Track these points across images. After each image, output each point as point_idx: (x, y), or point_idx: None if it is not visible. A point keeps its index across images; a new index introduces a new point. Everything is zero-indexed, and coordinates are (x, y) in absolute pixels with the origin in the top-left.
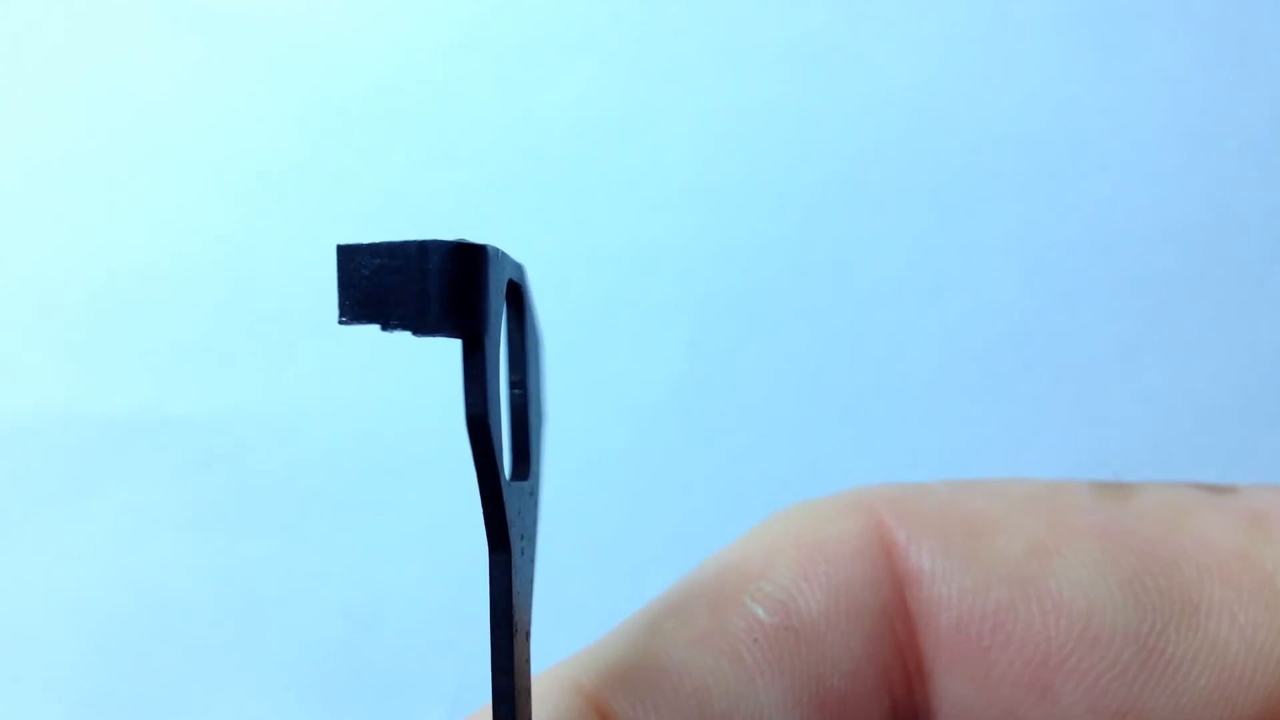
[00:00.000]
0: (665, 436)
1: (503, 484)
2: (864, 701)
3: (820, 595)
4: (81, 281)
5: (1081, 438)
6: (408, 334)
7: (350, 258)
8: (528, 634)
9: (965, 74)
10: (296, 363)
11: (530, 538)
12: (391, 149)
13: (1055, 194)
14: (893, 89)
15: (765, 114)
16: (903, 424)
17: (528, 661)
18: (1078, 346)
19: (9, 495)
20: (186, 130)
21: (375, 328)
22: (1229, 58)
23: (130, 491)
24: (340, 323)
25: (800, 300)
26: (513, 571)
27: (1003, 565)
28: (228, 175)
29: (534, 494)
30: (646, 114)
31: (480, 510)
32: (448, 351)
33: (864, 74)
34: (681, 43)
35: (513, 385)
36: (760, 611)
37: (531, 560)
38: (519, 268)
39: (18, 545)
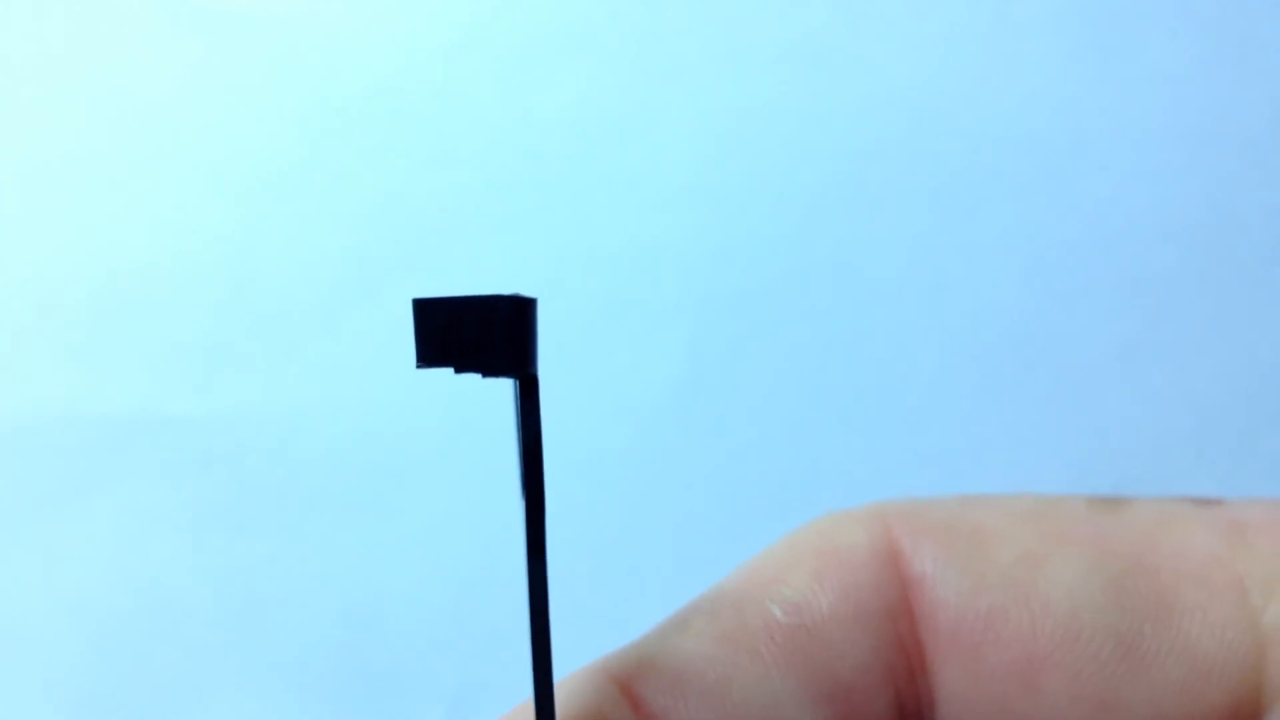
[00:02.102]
0: (665, 436)
1: (544, 502)
2: (870, 693)
3: (831, 597)
4: (81, 281)
5: (1081, 438)
6: (476, 376)
7: (426, 311)
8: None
9: (965, 74)
10: (296, 363)
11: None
12: (391, 149)
13: (1055, 194)
14: (893, 89)
15: (765, 114)
16: (902, 424)
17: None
18: (1078, 346)
19: (9, 495)
20: (186, 130)
21: (447, 371)
22: (1229, 58)
23: (130, 491)
24: (419, 368)
25: (800, 300)
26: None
27: (996, 571)
28: (228, 175)
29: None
30: (646, 114)
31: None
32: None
33: (864, 74)
34: (681, 43)
35: None
36: (777, 611)
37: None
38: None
39: (18, 545)
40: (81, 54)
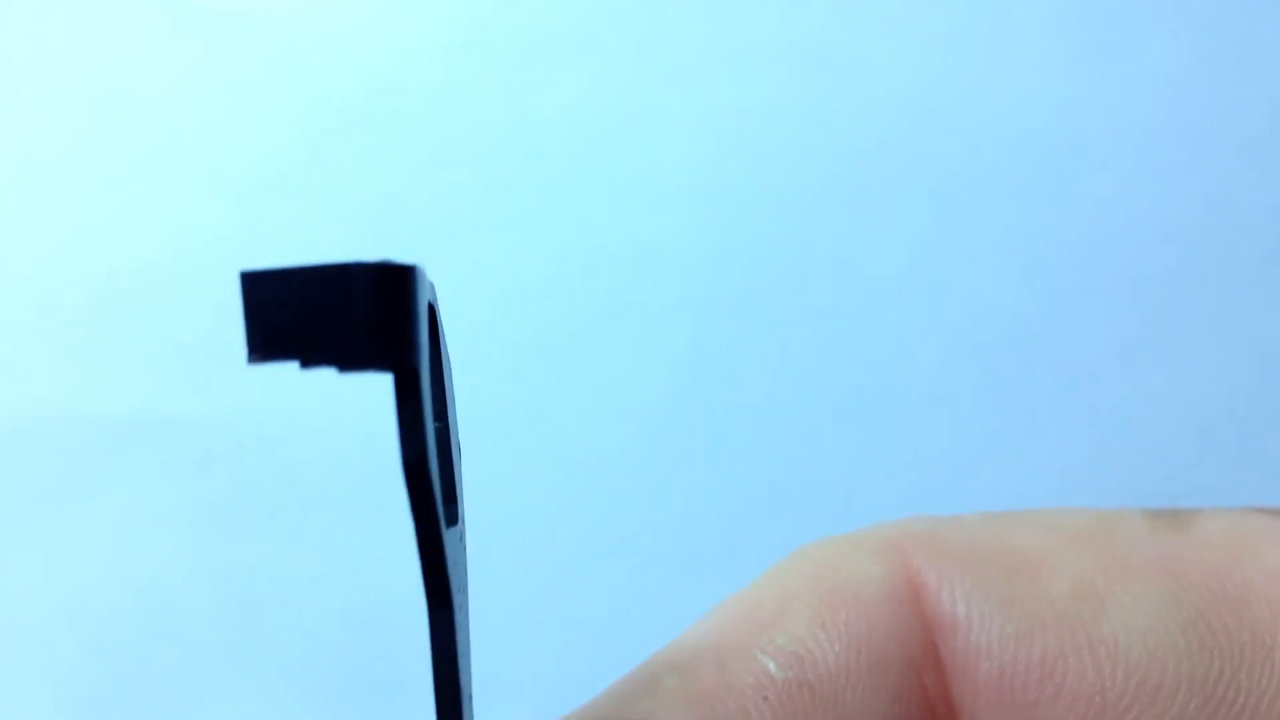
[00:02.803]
0: (665, 436)
1: (443, 533)
2: None
3: (839, 646)
4: (81, 281)
5: (1081, 438)
6: (331, 371)
7: (257, 286)
8: (470, 698)
9: (965, 74)
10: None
11: (464, 590)
12: (391, 149)
13: (1055, 194)
14: (893, 89)
15: (765, 114)
16: (902, 424)
17: None
18: (1078, 347)
19: (9, 495)
20: (186, 130)
21: (292, 365)
22: (1229, 58)
23: (130, 491)
24: (250, 361)
25: (800, 300)
26: (455, 630)
27: (1049, 608)
28: (228, 175)
29: (463, 540)
30: (646, 114)
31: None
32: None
33: (864, 74)
34: (681, 43)
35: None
36: (771, 665)
37: (467, 615)
38: (433, 287)
39: (18, 545)
40: (81, 54)
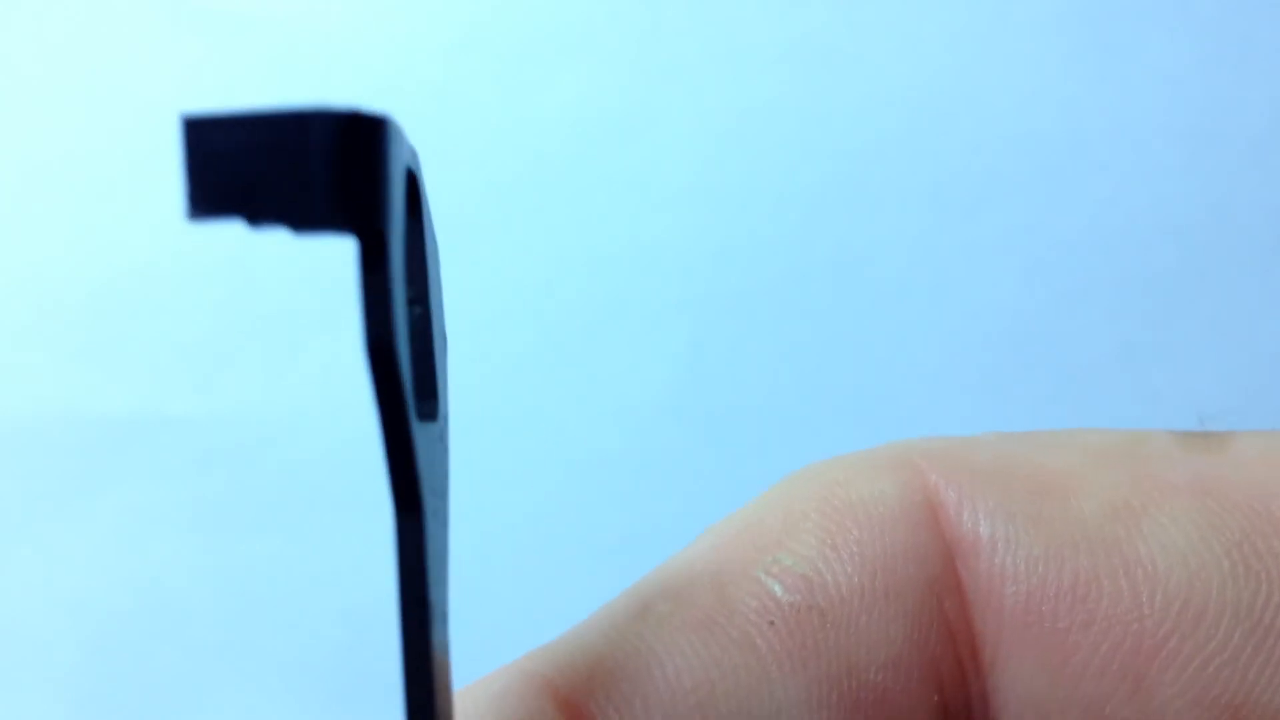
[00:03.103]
0: (665, 436)
1: (412, 426)
2: (906, 698)
3: (851, 568)
4: (81, 281)
5: None
6: (283, 232)
7: (202, 134)
8: (445, 617)
9: (965, 74)
10: (296, 363)
11: (443, 495)
12: None
13: (1055, 194)
14: (893, 89)
15: (765, 114)
16: (903, 424)
17: (446, 654)
18: (1078, 346)
19: (9, 495)
20: None
21: (236, 224)
22: (1229, 58)
23: (130, 491)
24: (190, 217)
25: (800, 300)
26: (425, 538)
27: (1080, 529)
28: None
29: (444, 439)
30: (646, 114)
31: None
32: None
33: (864, 74)
34: (681, 43)
35: (411, 302)
36: (777, 588)
37: (445, 524)
38: (414, 154)
39: (18, 545)
40: (81, 54)
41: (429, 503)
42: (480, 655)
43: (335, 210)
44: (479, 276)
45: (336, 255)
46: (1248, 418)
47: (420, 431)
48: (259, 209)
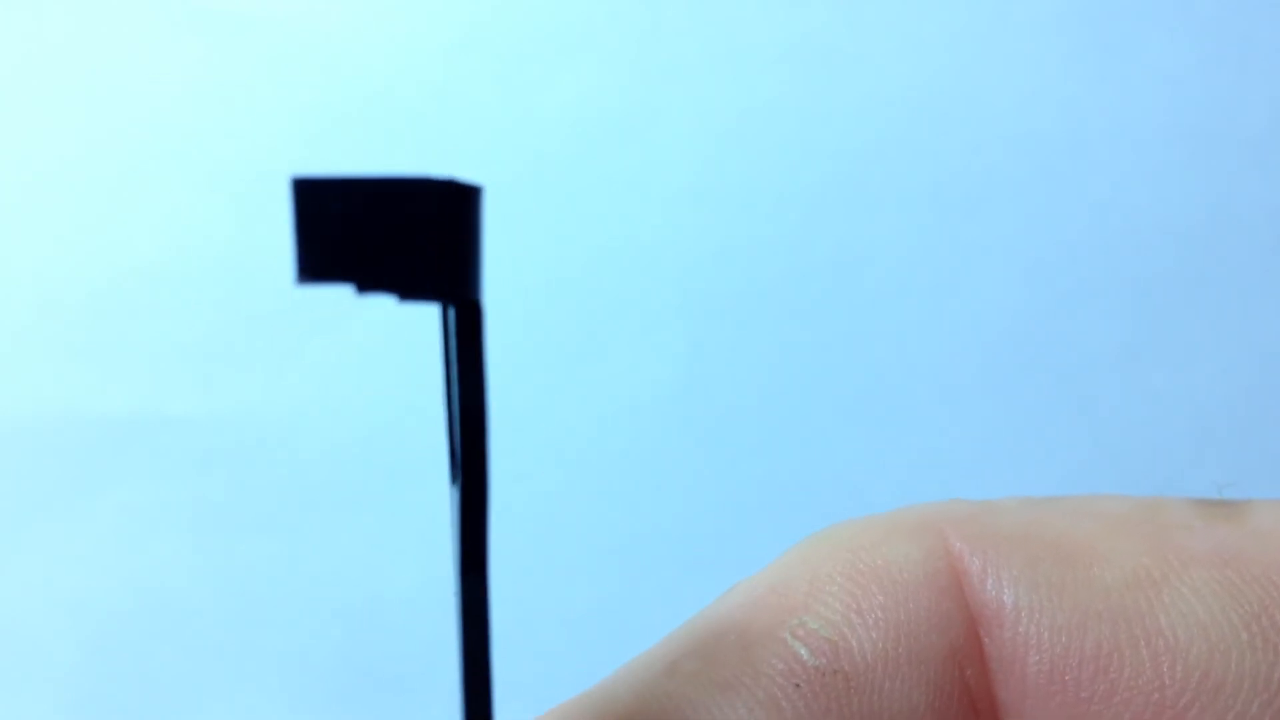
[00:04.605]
0: (665, 436)
1: (489, 490)
2: None
3: (877, 634)
4: (81, 281)
5: (1081, 438)
6: (390, 299)
7: (312, 197)
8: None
9: (965, 74)
10: (296, 363)
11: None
12: (392, 149)
13: (1055, 194)
14: (893, 89)
15: (765, 114)
16: (902, 424)
17: None
18: (1078, 347)
19: (9, 495)
20: (186, 130)
21: (347, 289)
22: (1229, 58)
23: (130, 491)
24: (299, 282)
25: (800, 300)
26: (488, 596)
27: (1103, 599)
28: (228, 175)
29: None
30: (646, 114)
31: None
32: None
33: (864, 74)
34: (681, 43)
35: None
36: (804, 652)
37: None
38: None
39: (18, 545)
40: (81, 54)
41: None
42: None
43: (439, 283)
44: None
45: None
46: (1247, 417)
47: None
48: (368, 278)
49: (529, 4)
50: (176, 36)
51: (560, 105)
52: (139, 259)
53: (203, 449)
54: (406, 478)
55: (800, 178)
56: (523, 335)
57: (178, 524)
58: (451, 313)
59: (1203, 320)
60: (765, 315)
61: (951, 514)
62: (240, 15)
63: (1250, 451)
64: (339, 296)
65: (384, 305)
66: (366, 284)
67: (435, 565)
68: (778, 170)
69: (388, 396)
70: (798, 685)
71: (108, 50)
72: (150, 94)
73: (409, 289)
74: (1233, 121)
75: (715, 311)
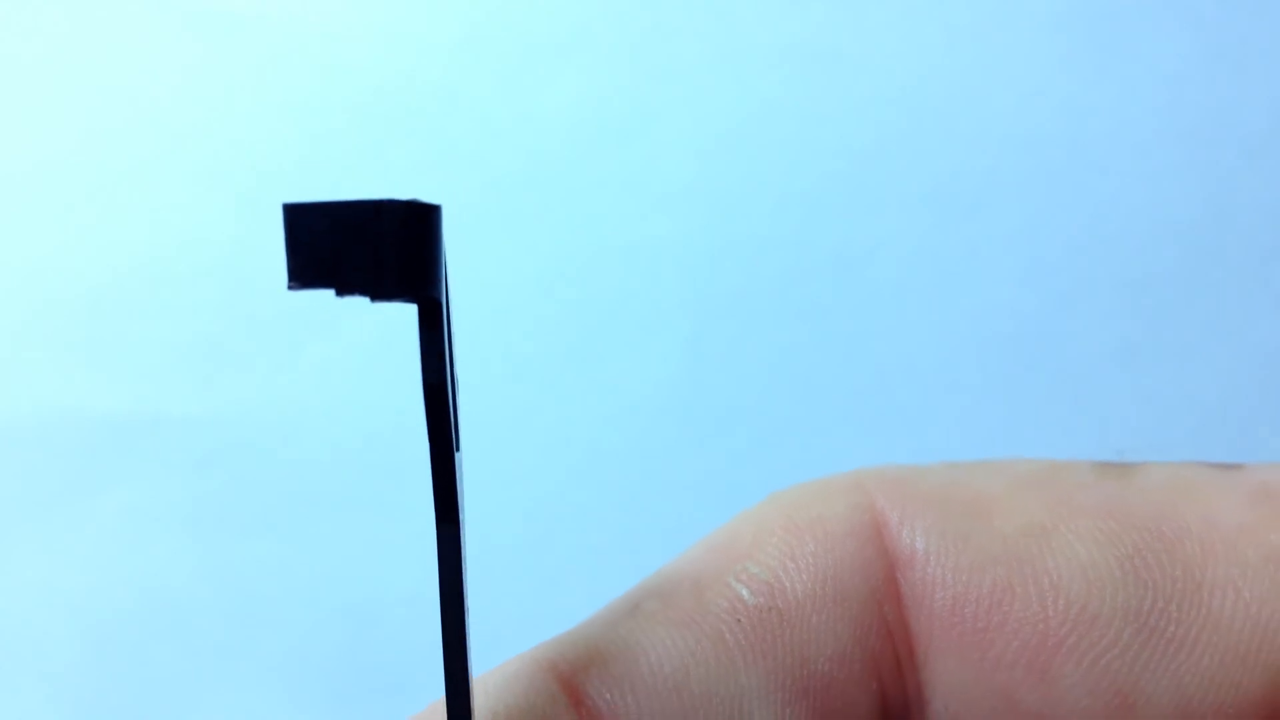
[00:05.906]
0: (665, 436)
1: (455, 452)
2: (850, 686)
3: (806, 576)
4: (81, 281)
5: (1081, 438)
6: (363, 300)
7: (301, 218)
8: (467, 613)
9: (965, 74)
10: (296, 363)
11: (462, 510)
12: (391, 149)
13: (1055, 194)
14: (893, 89)
15: (765, 114)
16: (902, 424)
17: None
18: (1078, 346)
19: (9, 495)
20: (186, 130)
21: (328, 293)
22: (1229, 58)
23: (130, 491)
24: (290, 288)
25: (800, 300)
26: (462, 544)
27: (1000, 545)
28: (228, 175)
29: (461, 465)
30: (646, 114)
31: (472, 518)
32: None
33: (864, 74)
34: (681, 43)
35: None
36: (744, 592)
37: (463, 534)
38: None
39: (18, 545)
40: (81, 54)
41: (460, 515)
42: (484, 648)
43: (403, 285)
44: (479, 276)
45: None
46: (1247, 417)
47: (456, 458)
48: (344, 283)
49: (529, 4)
50: (175, 36)
51: (560, 105)
52: (139, 259)
53: (203, 449)
54: (406, 477)
55: (800, 177)
56: (523, 335)
57: (178, 524)
58: (416, 309)
59: (1203, 320)
60: (765, 315)
61: (880, 476)
62: (240, 15)
63: (1250, 451)
64: (328, 299)
65: (388, 308)
66: (345, 288)
67: (435, 565)
68: (778, 170)
69: (387, 397)
70: (739, 621)
71: (107, 50)
72: (149, 94)
73: (379, 291)
74: (1233, 121)
75: (715, 311)
